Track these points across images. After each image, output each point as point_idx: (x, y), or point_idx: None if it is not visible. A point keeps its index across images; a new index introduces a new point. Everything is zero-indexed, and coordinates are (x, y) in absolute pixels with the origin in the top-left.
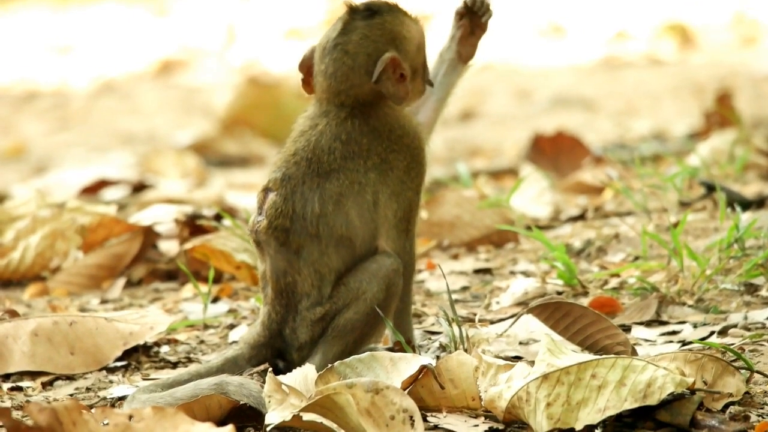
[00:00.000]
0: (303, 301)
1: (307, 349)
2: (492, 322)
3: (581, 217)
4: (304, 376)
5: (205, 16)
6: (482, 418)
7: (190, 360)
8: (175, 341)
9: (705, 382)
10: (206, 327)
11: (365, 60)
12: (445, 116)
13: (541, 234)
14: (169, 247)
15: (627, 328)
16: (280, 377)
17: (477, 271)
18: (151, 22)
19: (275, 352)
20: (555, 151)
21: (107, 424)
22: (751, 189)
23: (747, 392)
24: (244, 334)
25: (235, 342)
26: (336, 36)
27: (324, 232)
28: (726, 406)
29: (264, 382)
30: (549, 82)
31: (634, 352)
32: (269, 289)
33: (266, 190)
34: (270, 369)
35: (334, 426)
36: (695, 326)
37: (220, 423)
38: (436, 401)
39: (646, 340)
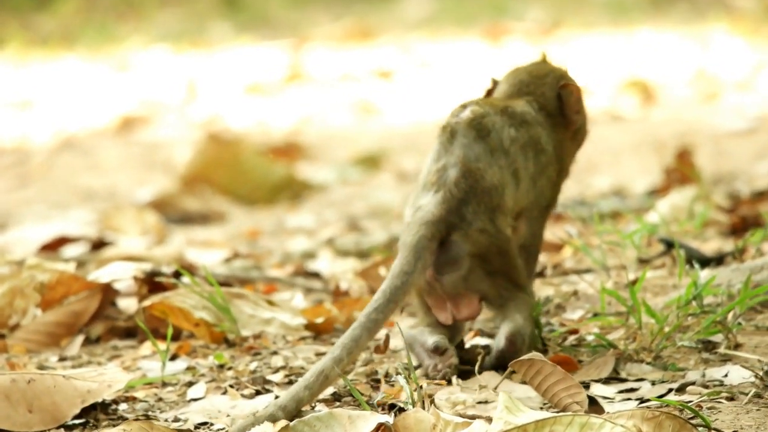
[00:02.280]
0: (491, 191)
1: (490, 236)
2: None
3: (540, 274)
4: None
5: (166, 71)
6: None
7: (147, 417)
8: (134, 399)
9: None
10: (164, 384)
11: (558, 76)
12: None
13: None
14: (127, 304)
15: (585, 385)
16: None
17: None
18: (113, 78)
19: (450, 228)
20: None
21: None
22: (710, 246)
23: None
24: (415, 216)
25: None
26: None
27: (511, 151)
28: None
29: None
30: None
31: (591, 411)
32: (452, 173)
33: (463, 107)
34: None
35: None
36: (653, 383)
37: None
38: None
39: (604, 398)
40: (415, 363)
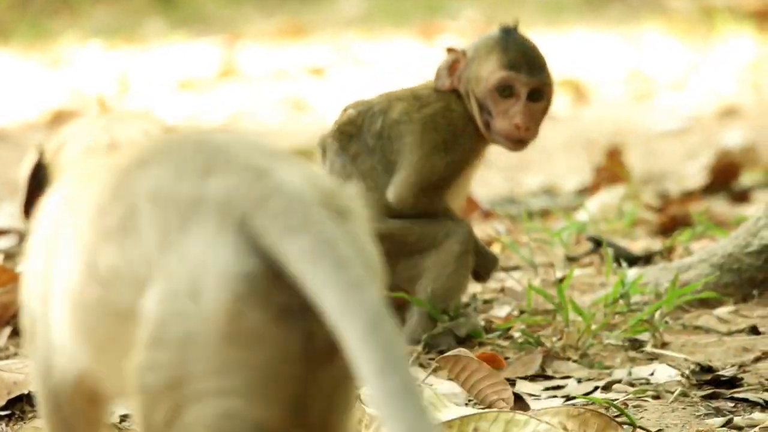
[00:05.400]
0: None
1: None
2: None
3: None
4: None
5: (100, 67)
6: None
7: None
8: None
9: None
10: None
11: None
12: None
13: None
14: None
15: (512, 382)
16: None
17: None
18: (46, 73)
19: None
20: None
21: None
22: (638, 245)
23: None
24: None
25: None
26: None
27: (377, 150)
28: None
29: None
30: None
31: (517, 408)
32: None
33: (347, 109)
34: None
35: None
36: (579, 381)
37: None
38: None
39: (530, 395)
40: None
